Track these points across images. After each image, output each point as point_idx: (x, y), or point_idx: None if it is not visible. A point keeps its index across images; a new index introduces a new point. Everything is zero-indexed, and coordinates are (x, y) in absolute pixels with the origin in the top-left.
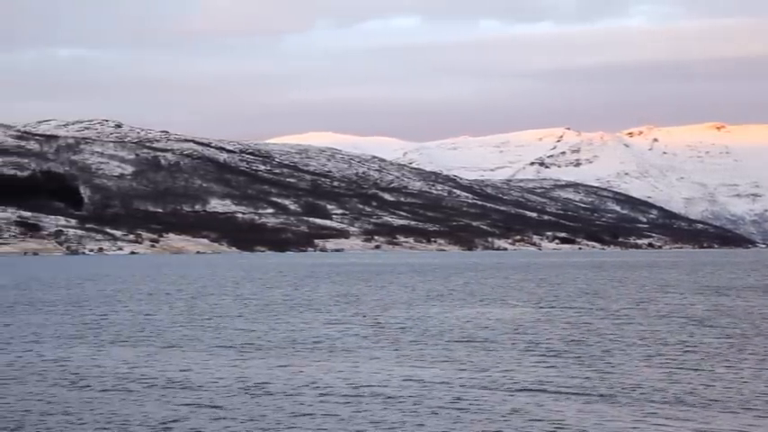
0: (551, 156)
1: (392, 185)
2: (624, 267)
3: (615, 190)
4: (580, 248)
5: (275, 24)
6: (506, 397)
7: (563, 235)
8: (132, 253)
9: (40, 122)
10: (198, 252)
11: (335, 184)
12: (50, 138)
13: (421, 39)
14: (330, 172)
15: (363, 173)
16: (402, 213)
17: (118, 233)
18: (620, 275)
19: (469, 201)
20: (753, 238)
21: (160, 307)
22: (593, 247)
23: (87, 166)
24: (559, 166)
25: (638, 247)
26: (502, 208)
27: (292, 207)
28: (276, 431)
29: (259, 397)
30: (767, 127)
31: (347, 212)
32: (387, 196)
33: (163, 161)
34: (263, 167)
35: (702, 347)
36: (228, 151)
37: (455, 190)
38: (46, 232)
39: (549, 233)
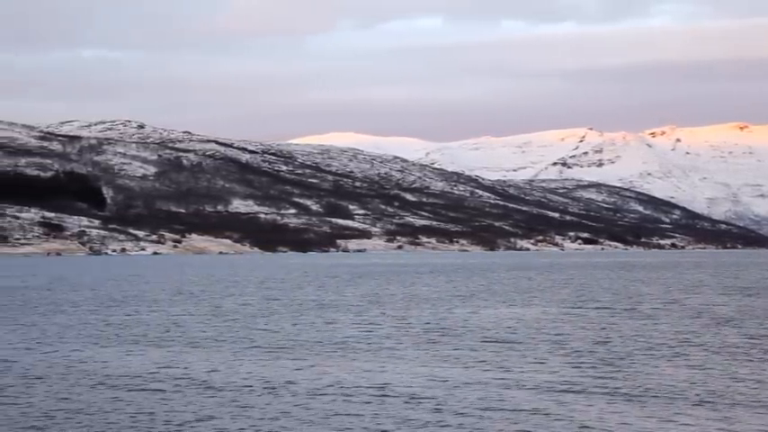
0: (574, 156)
1: (414, 186)
2: (647, 268)
3: (638, 190)
4: (602, 249)
5: (297, 25)
6: (530, 397)
7: (585, 235)
8: (155, 253)
9: (63, 123)
10: (220, 252)
11: (357, 184)
12: (73, 138)
13: (443, 39)
14: (352, 172)
15: (385, 173)
16: (424, 214)
17: (140, 233)
18: (643, 276)
19: (492, 201)
20: None
21: (185, 307)
22: (616, 247)
23: (110, 166)
24: (582, 167)
25: (660, 247)
26: (524, 208)
27: (314, 207)
28: (297, 430)
29: (283, 397)
30: None
31: (369, 213)
32: (409, 196)
33: (185, 162)
34: (285, 168)
35: (727, 348)
36: (251, 152)
37: (477, 190)
38: (69, 233)
39: (572, 233)
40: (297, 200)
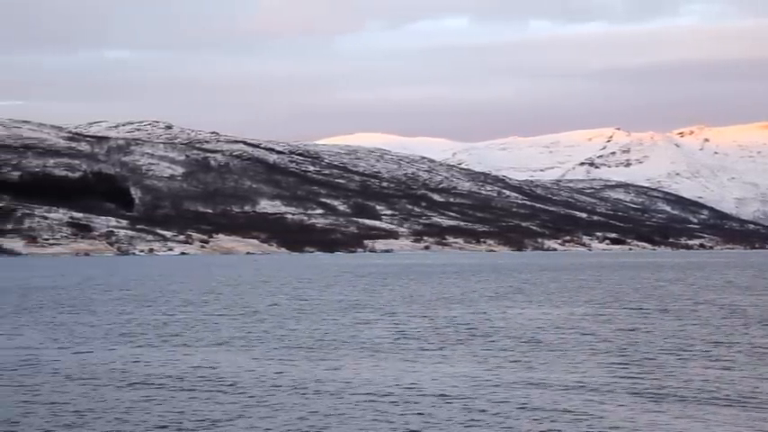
0: (601, 156)
1: (441, 186)
2: (676, 268)
3: (666, 190)
4: (630, 249)
5: (325, 25)
6: (559, 397)
7: (613, 235)
8: (182, 253)
9: (91, 124)
10: (247, 253)
11: (385, 184)
12: (101, 139)
13: (471, 39)
14: (379, 173)
15: (412, 173)
16: (451, 214)
17: (168, 234)
18: (672, 276)
19: (519, 201)
20: None
21: (214, 307)
22: (644, 247)
23: (138, 167)
24: (609, 167)
25: (688, 247)
26: (551, 208)
27: (341, 208)
28: (327, 430)
29: (313, 396)
30: None
31: (396, 213)
32: (436, 197)
33: (213, 162)
34: (312, 168)
35: (757, 348)
36: (278, 152)
37: (504, 190)
38: (97, 233)
39: (599, 234)
40: (324, 200)
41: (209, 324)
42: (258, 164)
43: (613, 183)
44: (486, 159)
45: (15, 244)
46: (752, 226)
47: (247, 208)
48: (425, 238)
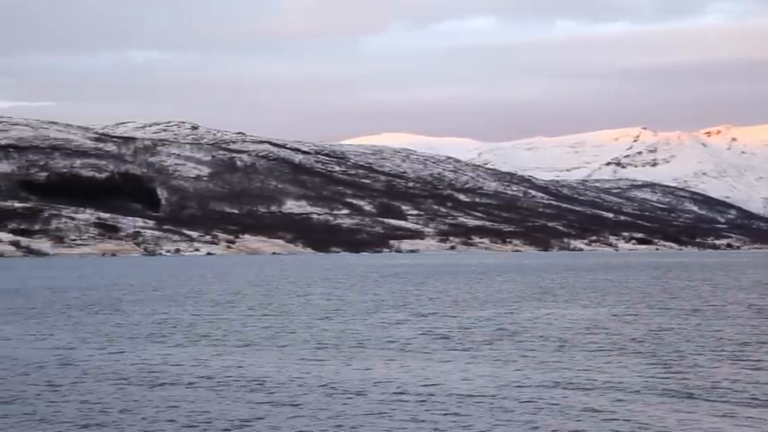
0: (627, 156)
1: (467, 186)
2: (704, 268)
3: (692, 190)
4: (657, 249)
5: (350, 26)
6: (582, 397)
7: (640, 235)
8: (209, 254)
9: (117, 125)
10: (273, 253)
11: (410, 184)
12: (128, 140)
13: (496, 39)
14: (405, 173)
15: (438, 173)
16: (477, 214)
17: (194, 234)
18: (700, 276)
19: (545, 201)
20: None
21: (240, 307)
22: (671, 247)
23: (164, 167)
24: (636, 167)
25: (716, 247)
26: (578, 208)
27: (367, 208)
28: (353, 430)
29: (336, 396)
30: None
31: (422, 213)
32: (462, 197)
33: (239, 162)
34: (338, 168)
35: None
36: (304, 152)
37: (530, 190)
38: (124, 233)
39: (626, 234)
40: (350, 200)
41: (237, 324)
42: (284, 164)
43: (640, 183)
44: (512, 159)
45: (43, 244)
46: None
47: (273, 208)
48: (451, 238)
